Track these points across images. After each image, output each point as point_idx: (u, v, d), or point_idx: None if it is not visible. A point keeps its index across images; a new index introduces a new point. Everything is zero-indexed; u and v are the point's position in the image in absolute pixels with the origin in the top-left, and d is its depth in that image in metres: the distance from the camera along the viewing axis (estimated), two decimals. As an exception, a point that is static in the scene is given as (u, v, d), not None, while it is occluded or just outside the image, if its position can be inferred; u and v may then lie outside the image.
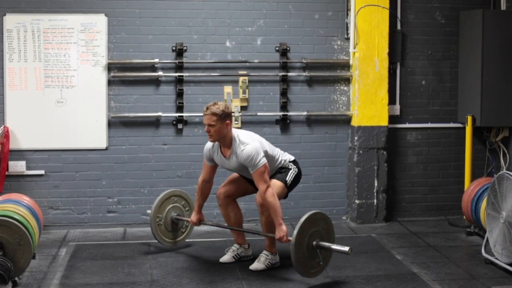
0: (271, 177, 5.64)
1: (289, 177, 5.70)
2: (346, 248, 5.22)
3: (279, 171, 5.73)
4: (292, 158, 5.84)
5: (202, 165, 5.82)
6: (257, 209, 5.60)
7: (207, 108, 5.44)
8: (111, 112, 6.96)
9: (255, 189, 5.68)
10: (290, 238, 5.25)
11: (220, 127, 5.42)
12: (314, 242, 5.29)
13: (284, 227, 5.41)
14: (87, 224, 6.99)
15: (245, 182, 5.83)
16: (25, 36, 6.79)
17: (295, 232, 5.19)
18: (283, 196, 5.70)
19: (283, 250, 6.04)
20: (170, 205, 6.23)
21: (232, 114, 5.58)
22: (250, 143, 5.46)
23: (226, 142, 5.52)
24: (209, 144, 5.65)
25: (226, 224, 6.00)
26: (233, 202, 5.89)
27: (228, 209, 5.86)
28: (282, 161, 5.74)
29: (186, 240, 6.55)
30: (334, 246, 5.30)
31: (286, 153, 5.86)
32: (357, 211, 7.21)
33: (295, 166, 5.78)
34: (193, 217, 5.98)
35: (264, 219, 5.59)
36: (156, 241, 6.50)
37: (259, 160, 5.40)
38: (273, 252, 5.74)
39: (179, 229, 6.32)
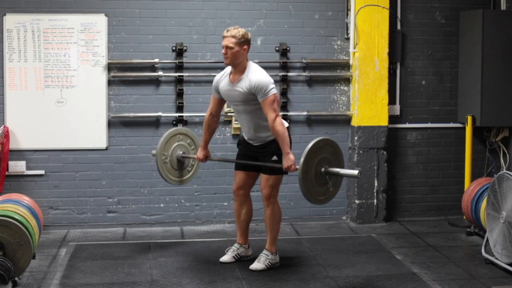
0: (265, 170, 5.63)
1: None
2: (355, 172, 5.18)
3: (273, 152, 5.60)
4: (286, 124, 5.64)
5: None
6: (260, 206, 5.62)
7: (227, 31, 5.48)
8: (111, 112, 6.96)
9: (258, 172, 5.68)
10: (298, 167, 5.17)
11: (237, 51, 5.43)
12: (323, 169, 5.22)
13: (291, 156, 5.35)
14: (87, 224, 6.99)
15: (250, 174, 5.78)
16: (25, 36, 6.79)
17: (302, 160, 5.10)
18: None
19: (283, 250, 6.05)
20: (176, 143, 6.09)
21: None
22: (265, 74, 5.48)
23: (239, 68, 5.50)
24: (219, 74, 5.68)
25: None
26: (249, 198, 5.87)
27: (243, 205, 5.85)
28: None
29: (186, 240, 6.56)
30: (343, 171, 5.24)
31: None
32: (357, 211, 7.21)
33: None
34: (199, 153, 5.91)
35: (269, 211, 5.63)
36: (156, 241, 6.51)
37: (270, 89, 5.39)
38: (273, 252, 5.74)
39: (185, 167, 6.19)
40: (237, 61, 5.46)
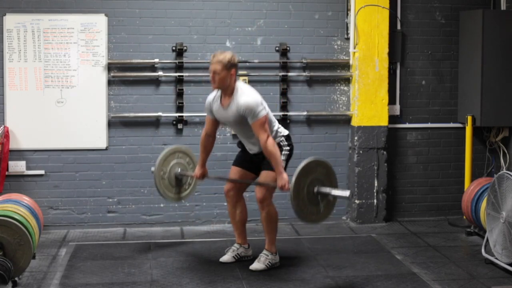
0: (266, 166, 5.63)
1: (283, 161, 5.63)
2: (347, 193, 5.16)
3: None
4: (286, 132, 5.76)
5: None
6: (257, 206, 5.63)
7: (214, 56, 5.47)
8: (111, 112, 6.96)
9: (256, 175, 5.68)
10: (291, 186, 5.16)
11: (224, 76, 5.43)
12: (315, 189, 5.22)
13: (285, 175, 5.37)
14: (87, 224, 6.99)
15: (245, 172, 5.80)
16: (25, 36, 6.79)
17: (293, 179, 5.11)
18: None
19: (283, 250, 6.05)
20: (175, 161, 6.13)
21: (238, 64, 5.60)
22: (252, 95, 5.47)
23: (228, 91, 5.51)
24: (211, 96, 5.67)
25: (229, 178, 5.89)
26: (241, 199, 5.87)
27: (236, 205, 5.85)
28: (278, 134, 5.67)
29: (186, 240, 6.55)
30: (334, 192, 5.22)
31: (281, 126, 5.80)
32: (357, 211, 7.21)
33: (287, 143, 5.69)
34: (197, 171, 5.93)
35: (264, 214, 5.62)
36: (156, 241, 6.51)
37: (260, 111, 5.40)
38: (273, 252, 5.74)
39: (183, 185, 6.23)
40: (224, 85, 5.47)
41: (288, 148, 5.70)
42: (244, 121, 5.47)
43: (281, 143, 5.66)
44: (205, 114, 5.85)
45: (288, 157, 5.70)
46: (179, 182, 6.18)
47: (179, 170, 6.14)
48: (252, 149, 5.70)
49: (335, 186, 5.35)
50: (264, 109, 5.44)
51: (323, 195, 5.24)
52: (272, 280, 5.47)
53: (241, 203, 5.87)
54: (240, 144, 5.86)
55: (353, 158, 7.20)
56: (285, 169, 5.63)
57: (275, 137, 5.63)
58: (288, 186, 5.30)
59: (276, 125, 5.70)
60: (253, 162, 5.74)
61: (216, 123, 5.77)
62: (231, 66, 5.45)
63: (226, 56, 5.45)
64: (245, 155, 5.80)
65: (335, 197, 5.28)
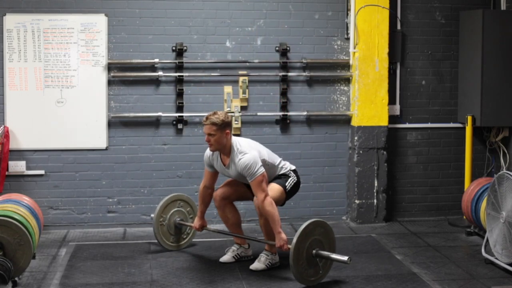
0: (271, 181, 5.66)
1: (289, 183, 5.73)
2: (345, 258, 5.23)
3: (279, 176, 5.75)
4: (293, 167, 5.87)
5: (203, 169, 5.85)
6: (256, 211, 5.62)
7: (207, 118, 5.48)
8: (111, 112, 6.96)
9: (253, 195, 5.69)
10: (290, 246, 5.24)
11: (220, 136, 5.46)
12: (314, 251, 5.28)
13: (283, 236, 5.40)
14: (87, 224, 6.99)
15: (243, 187, 5.84)
16: (25, 36, 6.79)
17: (294, 242, 5.19)
18: (281, 202, 5.71)
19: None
20: (175, 209, 6.24)
21: (232, 119, 5.59)
22: (248, 152, 5.48)
23: (225, 150, 5.56)
24: (209, 151, 5.69)
25: (227, 230, 5.99)
26: (230, 204, 5.89)
27: (226, 210, 5.87)
28: (283, 169, 5.78)
29: (186, 240, 6.57)
30: (333, 256, 5.30)
31: (287, 162, 5.89)
32: (357, 211, 7.21)
33: (294, 175, 5.81)
34: (196, 223, 6.00)
35: (263, 220, 5.59)
36: (156, 241, 6.51)
37: (257, 170, 5.42)
38: (273, 252, 5.74)
39: (181, 234, 6.31)
40: (221, 145, 5.50)
41: (295, 176, 5.78)
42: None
43: (289, 174, 5.76)
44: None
45: (295, 185, 5.76)
46: (178, 230, 6.25)
47: (178, 219, 6.22)
48: None
49: (333, 246, 5.43)
50: (261, 167, 5.46)
51: (321, 257, 5.31)
52: (272, 280, 5.47)
53: (230, 207, 5.89)
54: None
55: (353, 158, 7.20)
56: (289, 193, 5.72)
57: (281, 170, 5.74)
58: (287, 246, 5.34)
59: (280, 163, 5.77)
60: None
61: (215, 176, 5.82)
62: (225, 126, 5.47)
63: (219, 116, 5.46)
64: None
65: (334, 260, 5.35)
